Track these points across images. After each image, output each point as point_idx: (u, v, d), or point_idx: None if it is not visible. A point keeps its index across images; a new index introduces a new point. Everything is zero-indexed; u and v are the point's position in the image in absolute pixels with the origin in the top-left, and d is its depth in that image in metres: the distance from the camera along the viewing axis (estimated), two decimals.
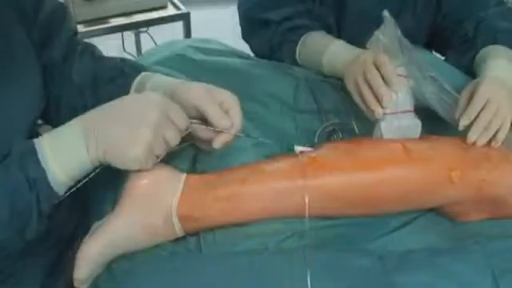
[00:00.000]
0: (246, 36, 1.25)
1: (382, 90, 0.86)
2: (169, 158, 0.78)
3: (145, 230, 0.74)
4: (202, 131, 0.78)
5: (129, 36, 2.33)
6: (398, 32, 0.89)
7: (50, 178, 0.67)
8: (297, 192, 0.77)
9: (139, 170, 0.73)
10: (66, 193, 0.71)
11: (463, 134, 0.86)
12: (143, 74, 0.88)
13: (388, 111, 0.86)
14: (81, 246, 0.73)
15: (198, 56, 1.09)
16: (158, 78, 0.86)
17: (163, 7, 1.90)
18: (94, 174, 0.72)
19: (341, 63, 1.03)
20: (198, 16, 2.12)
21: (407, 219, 0.84)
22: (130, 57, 2.03)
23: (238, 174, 0.79)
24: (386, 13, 0.90)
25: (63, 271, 0.83)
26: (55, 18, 0.86)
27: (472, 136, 0.84)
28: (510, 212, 0.86)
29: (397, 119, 0.86)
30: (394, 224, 0.83)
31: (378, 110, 0.86)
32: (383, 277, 0.73)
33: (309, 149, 0.83)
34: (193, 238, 0.79)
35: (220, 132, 0.77)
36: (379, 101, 0.86)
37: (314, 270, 0.70)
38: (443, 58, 1.22)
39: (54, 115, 0.87)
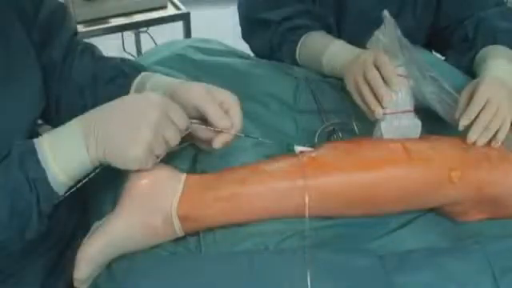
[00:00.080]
0: (246, 36, 1.25)
1: (382, 90, 0.86)
2: (169, 158, 0.78)
3: (145, 230, 0.74)
4: (201, 131, 0.78)
5: (129, 36, 2.33)
6: (398, 32, 0.89)
7: (50, 178, 0.67)
8: (297, 192, 0.77)
9: (139, 170, 0.73)
10: (66, 193, 0.71)
11: (463, 134, 0.86)
12: (143, 74, 0.88)
13: (388, 111, 0.86)
14: (81, 245, 0.73)
15: (198, 56, 1.09)
16: (158, 78, 0.86)
17: (163, 7, 1.89)
18: (93, 173, 0.72)
19: (341, 63, 1.02)
20: (198, 16, 2.13)
21: (407, 219, 0.84)
22: (130, 57, 2.03)
23: (238, 173, 0.79)
24: (385, 13, 0.90)
25: (63, 271, 0.83)
26: (55, 18, 0.86)
27: (472, 136, 0.84)
28: (510, 212, 0.86)
29: (397, 119, 0.86)
30: (393, 224, 0.83)
31: (378, 110, 0.86)
32: (383, 277, 0.73)
33: (309, 149, 0.83)
34: (193, 238, 0.79)
35: (220, 132, 0.77)
36: (379, 101, 0.86)
37: (314, 270, 0.70)
38: (443, 58, 1.22)
39: (54, 115, 0.87)
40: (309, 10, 1.16)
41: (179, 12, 1.90)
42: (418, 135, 0.87)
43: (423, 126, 0.87)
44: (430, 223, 0.85)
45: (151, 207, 0.74)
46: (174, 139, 0.72)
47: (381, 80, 0.86)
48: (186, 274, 0.73)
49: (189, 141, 0.83)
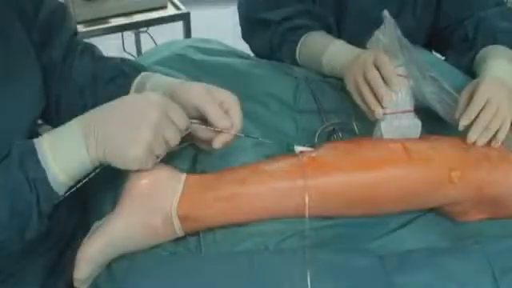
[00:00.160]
0: (246, 36, 1.25)
1: (382, 90, 0.86)
2: (169, 158, 0.78)
3: (145, 230, 0.74)
4: (201, 131, 0.78)
5: (129, 36, 2.33)
6: (398, 32, 0.89)
7: (50, 178, 0.67)
8: (297, 192, 0.77)
9: (139, 170, 0.73)
10: (66, 193, 0.71)
11: (463, 134, 0.86)
12: (143, 74, 0.88)
13: (388, 111, 0.86)
14: (81, 245, 0.73)
15: (198, 56, 1.09)
16: (158, 78, 0.86)
17: (163, 7, 1.89)
18: (94, 173, 0.72)
19: (341, 63, 1.02)
20: (197, 16, 2.13)
21: (407, 219, 0.84)
22: (130, 57, 2.03)
23: (238, 174, 0.79)
24: (385, 13, 0.90)
25: (63, 271, 0.83)
26: (55, 18, 0.86)
27: (472, 136, 0.84)
28: (510, 212, 0.86)
29: (397, 119, 0.86)
30: (393, 224, 0.83)
31: (378, 110, 0.86)
32: (383, 277, 0.73)
33: (309, 149, 0.83)
34: (193, 238, 0.79)
35: (220, 132, 0.77)
36: (379, 101, 0.86)
37: (314, 270, 0.70)
38: (443, 58, 1.22)
39: (54, 115, 0.87)
40: (309, 10, 1.16)
41: (179, 12, 1.90)
42: (418, 135, 0.87)
43: (423, 126, 0.87)
44: (429, 223, 0.85)
45: (151, 207, 0.74)
46: (174, 139, 0.72)
47: (381, 80, 0.86)
48: (185, 274, 0.73)
49: (189, 141, 0.83)
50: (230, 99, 0.78)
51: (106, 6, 1.79)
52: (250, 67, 1.09)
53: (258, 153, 0.88)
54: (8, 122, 0.74)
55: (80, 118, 0.71)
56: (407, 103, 0.88)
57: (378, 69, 0.88)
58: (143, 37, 2.32)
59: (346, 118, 0.98)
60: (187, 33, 1.93)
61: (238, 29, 1.25)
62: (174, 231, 0.75)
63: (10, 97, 0.76)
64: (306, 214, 0.77)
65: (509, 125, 0.86)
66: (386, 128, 0.86)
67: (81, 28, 1.71)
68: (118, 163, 0.70)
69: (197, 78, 0.93)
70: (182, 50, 1.10)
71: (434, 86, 0.89)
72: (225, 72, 1.05)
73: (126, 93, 0.85)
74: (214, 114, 0.76)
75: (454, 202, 0.83)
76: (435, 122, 0.91)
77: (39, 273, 0.83)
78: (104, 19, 1.79)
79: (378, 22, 0.91)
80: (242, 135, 0.80)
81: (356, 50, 1.02)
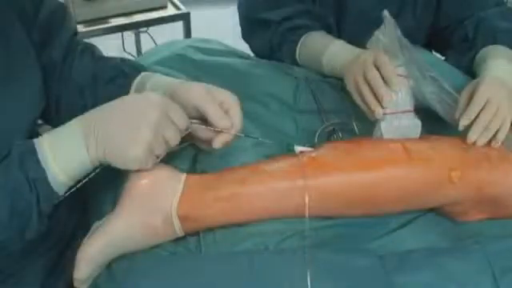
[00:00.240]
0: (246, 36, 1.25)
1: (382, 90, 0.86)
2: (169, 158, 0.78)
3: (145, 230, 0.74)
4: (201, 131, 0.78)
5: (129, 36, 2.33)
6: (398, 32, 0.89)
7: (50, 178, 0.67)
8: (297, 192, 0.77)
9: (139, 170, 0.73)
10: (66, 193, 0.71)
11: (463, 134, 0.86)
12: (143, 74, 0.88)
13: (388, 111, 0.86)
14: (81, 245, 0.73)
15: (198, 56, 1.09)
16: (158, 78, 0.86)
17: (163, 7, 1.89)
18: (94, 173, 0.72)
19: (341, 63, 1.02)
20: (197, 16, 2.12)
21: (407, 219, 0.84)
22: (130, 57, 2.03)
23: (238, 174, 0.79)
24: (385, 13, 0.90)
25: (63, 271, 0.83)
26: (55, 18, 0.86)
27: (472, 136, 0.84)
28: (510, 212, 0.86)
29: (397, 119, 0.86)
30: (393, 224, 0.83)
31: (378, 110, 0.86)
32: (383, 277, 0.73)
33: (309, 149, 0.83)
34: (193, 238, 0.79)
35: (220, 132, 0.77)
36: (379, 101, 0.86)
37: (314, 270, 0.70)
38: (443, 58, 1.22)
39: (54, 115, 0.87)
40: (309, 10, 1.16)
41: (179, 12, 1.90)
42: (418, 135, 0.87)
43: (423, 126, 0.87)
44: (429, 223, 0.85)
45: (151, 207, 0.74)
46: (174, 139, 0.72)
47: (381, 80, 0.86)
48: (186, 274, 0.73)
49: (189, 141, 0.83)
50: (230, 99, 0.78)
51: (106, 6, 1.79)
52: (250, 67, 1.09)
53: (258, 153, 0.88)
54: (8, 122, 0.74)
55: (80, 118, 0.71)
56: (407, 103, 0.88)
57: (378, 69, 0.88)
58: (143, 37, 2.32)
59: (346, 117, 0.98)
60: (187, 33, 1.93)
61: (238, 29, 1.25)
62: (174, 231, 0.75)
63: (10, 97, 0.76)
64: (306, 214, 0.77)
65: (509, 125, 0.86)
66: (386, 128, 0.86)
67: (81, 28, 1.71)
68: (118, 163, 0.70)
69: (197, 78, 0.93)
70: (182, 49, 1.10)
71: (434, 86, 0.89)
72: (225, 72, 1.05)
73: (126, 93, 0.85)
74: (213, 114, 0.76)
75: (454, 201, 0.83)
76: (435, 122, 0.91)
77: (39, 273, 0.83)
78: (104, 19, 1.79)
79: (378, 22, 0.91)
80: (242, 135, 0.80)
81: (356, 50, 1.02)
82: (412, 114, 0.88)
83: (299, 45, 1.13)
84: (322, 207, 0.79)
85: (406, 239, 0.81)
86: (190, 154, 0.88)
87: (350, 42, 1.07)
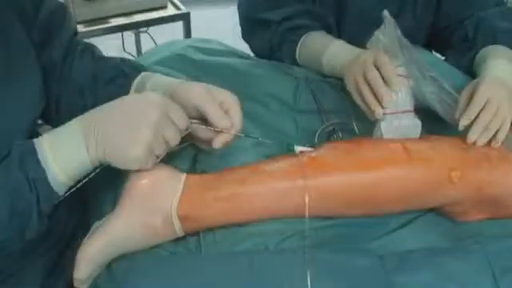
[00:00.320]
0: (246, 36, 1.25)
1: (382, 90, 0.86)
2: (169, 158, 0.78)
3: (145, 230, 0.74)
4: (201, 131, 0.78)
5: (129, 36, 2.33)
6: (398, 32, 0.89)
7: (50, 178, 0.67)
8: (297, 192, 0.77)
9: (139, 170, 0.73)
10: (66, 193, 0.71)
11: (463, 134, 0.86)
12: (143, 74, 0.88)
13: (388, 111, 0.86)
14: (81, 245, 0.73)
15: (198, 56, 1.09)
16: (158, 78, 0.86)
17: (163, 7, 1.89)
18: (94, 173, 0.72)
19: (341, 63, 1.02)
20: (198, 16, 2.12)
21: (407, 219, 0.84)
22: (130, 57, 2.03)
23: (238, 174, 0.79)
24: (386, 13, 0.90)
25: (63, 271, 0.83)
26: (55, 18, 0.86)
27: (472, 136, 0.84)
28: (510, 212, 0.86)
29: (397, 119, 0.86)
30: (393, 224, 0.83)
31: (378, 110, 0.86)
32: (383, 277, 0.73)
33: (309, 149, 0.83)
34: (193, 238, 0.79)
35: (220, 132, 0.77)
36: (379, 101, 0.86)
37: (314, 270, 0.70)
38: (443, 58, 1.22)
39: (54, 115, 0.87)
40: (309, 10, 1.16)
41: (179, 12, 1.90)
42: (418, 135, 0.87)
43: (423, 126, 0.87)
44: (430, 223, 0.85)
45: (151, 207, 0.74)
46: (174, 139, 0.72)
47: (381, 80, 0.86)
48: (185, 274, 0.73)
49: (189, 141, 0.83)
50: (230, 99, 0.78)
51: (106, 6, 1.79)
52: (250, 67, 1.09)
53: (258, 153, 0.88)
54: (8, 122, 0.74)
55: (80, 118, 0.71)
56: (407, 103, 0.88)
57: (378, 69, 0.88)
58: (143, 37, 2.32)
59: (346, 117, 0.98)
60: (187, 33, 1.93)
61: (238, 29, 1.25)
62: (174, 231, 0.75)
63: (10, 97, 0.76)
64: (306, 214, 0.77)
65: (509, 125, 0.86)
66: (386, 128, 0.86)
67: (81, 28, 1.71)
68: (118, 163, 0.70)
69: (197, 78, 0.93)
70: (182, 49, 1.10)
71: (434, 86, 0.89)
72: (225, 72, 1.05)
73: (126, 93, 0.85)
74: (213, 114, 0.76)
75: (454, 201, 0.83)
76: (435, 122, 0.91)
77: (39, 273, 0.83)
78: (104, 19, 1.79)
79: (378, 22, 0.91)
80: (242, 135, 0.80)
81: (356, 50, 1.02)
82: (412, 114, 0.88)
83: (299, 45, 1.13)
84: (322, 207, 0.79)
85: (405, 239, 0.81)
86: (189, 154, 0.88)
87: (350, 42, 1.07)
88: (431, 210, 0.86)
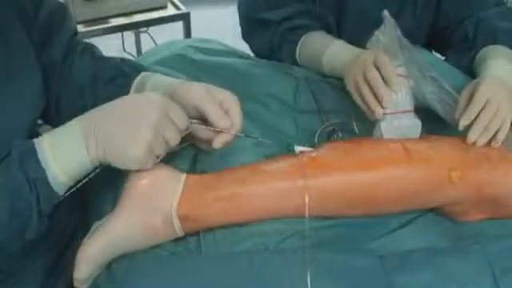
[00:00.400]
0: (246, 36, 1.25)
1: (382, 90, 0.86)
2: (169, 158, 0.78)
3: (145, 230, 0.74)
4: (201, 131, 0.78)
5: (129, 36, 2.33)
6: (398, 32, 0.89)
7: (50, 178, 0.67)
8: (297, 192, 0.77)
9: (139, 170, 0.73)
10: (66, 193, 0.71)
11: (463, 134, 0.86)
12: (143, 74, 0.88)
13: (388, 111, 0.86)
14: (81, 245, 0.73)
15: (198, 56, 1.09)
16: (158, 78, 0.86)
17: (163, 7, 1.89)
18: (94, 173, 0.72)
19: (341, 63, 1.02)
20: (198, 16, 2.13)
21: (407, 219, 0.84)
22: (130, 57, 2.03)
23: (238, 174, 0.79)
24: (386, 13, 0.90)
25: (63, 271, 0.83)
26: (55, 18, 0.86)
27: (472, 136, 0.84)
28: (510, 212, 0.86)
29: (397, 119, 0.86)
30: (393, 224, 0.83)
31: (378, 110, 0.86)
32: (383, 277, 0.73)
33: (309, 149, 0.83)
34: (193, 238, 0.79)
35: (220, 132, 0.77)
36: (379, 101, 0.86)
37: (314, 270, 0.70)
38: (443, 58, 1.22)
39: (54, 115, 0.87)
40: (309, 10, 1.16)
41: (179, 12, 1.90)
42: (418, 135, 0.87)
43: (423, 126, 0.87)
44: (430, 223, 0.85)
45: (151, 207, 0.74)
46: (174, 139, 0.72)
47: (381, 80, 0.86)
48: (186, 274, 0.73)
49: (189, 141, 0.83)
50: (230, 99, 0.78)
51: (106, 6, 1.79)
52: (250, 67, 1.09)
53: (258, 153, 0.88)
54: (8, 122, 0.74)
55: (80, 118, 0.71)
56: (407, 103, 0.88)
57: (378, 69, 0.88)
58: (143, 37, 2.32)
59: (346, 117, 0.98)
60: (187, 33, 1.93)
61: (238, 29, 1.25)
62: (174, 231, 0.75)
63: (10, 97, 0.76)
64: (306, 214, 0.77)
65: (509, 125, 0.86)
66: (386, 128, 0.86)
67: (81, 28, 1.71)
68: (118, 163, 0.70)
69: (197, 78, 0.93)
70: (182, 49, 1.10)
71: (434, 85, 0.89)
72: (225, 72, 1.05)
73: (126, 93, 0.85)
74: (213, 114, 0.76)
75: (454, 201, 0.83)
76: (435, 122, 0.91)
77: (39, 273, 0.83)
78: (104, 19, 1.79)
79: (378, 22, 0.91)
80: (242, 135, 0.80)
81: (356, 50, 1.02)
82: (412, 114, 0.88)
83: (299, 45, 1.13)
84: (322, 207, 0.79)
85: (406, 239, 0.81)
86: (190, 154, 0.88)
87: (350, 42, 1.07)
88: (431, 209, 0.86)
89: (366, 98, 0.88)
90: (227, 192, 0.76)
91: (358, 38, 0.99)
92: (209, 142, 0.78)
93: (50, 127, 0.86)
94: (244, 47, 1.24)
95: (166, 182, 0.75)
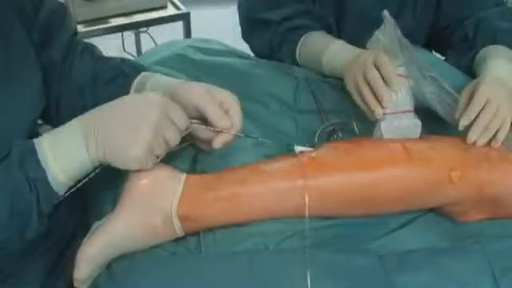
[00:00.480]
0: (246, 36, 1.25)
1: (382, 90, 0.86)
2: (169, 158, 0.78)
3: (145, 230, 0.74)
4: (201, 131, 0.78)
5: (129, 36, 2.33)
6: (398, 32, 0.89)
7: (50, 178, 0.67)
8: (297, 192, 0.77)
9: (139, 170, 0.73)
10: (66, 193, 0.71)
11: (463, 134, 0.86)
12: (143, 74, 0.88)
13: (388, 111, 0.86)
14: (81, 245, 0.73)
15: (198, 56, 1.09)
16: (158, 78, 0.86)
17: (163, 7, 1.89)
18: (93, 173, 0.72)
19: (341, 63, 1.02)
20: (198, 16, 2.13)
21: (407, 219, 0.84)
22: (130, 57, 2.03)
23: (238, 174, 0.79)
24: (386, 13, 0.90)
25: (63, 271, 0.83)
26: (55, 18, 0.86)
27: (472, 136, 0.84)
28: (510, 212, 0.86)
29: (397, 119, 0.86)
30: (393, 224, 0.83)
31: (378, 110, 0.86)
32: (383, 277, 0.73)
33: (309, 149, 0.83)
34: (193, 238, 0.79)
35: (220, 132, 0.77)
36: (379, 101, 0.86)
37: (314, 270, 0.70)
38: (443, 58, 1.22)
39: (54, 115, 0.87)
40: (309, 10, 1.16)
41: (179, 12, 1.90)
42: (418, 135, 0.87)
43: (423, 126, 0.87)
44: (429, 223, 0.85)
45: (151, 207, 0.74)
46: (174, 139, 0.72)
47: (381, 80, 0.86)
48: (186, 274, 0.73)
49: (189, 141, 0.83)
50: (230, 99, 0.78)
51: (106, 6, 1.79)
52: (250, 67, 1.09)
53: (258, 153, 0.88)
54: (8, 122, 0.74)
55: (80, 118, 0.71)
56: (407, 103, 0.88)
57: (378, 69, 0.88)
58: (143, 37, 2.32)
59: (346, 117, 0.98)
60: (187, 33, 1.93)
61: (238, 29, 1.25)
62: (174, 231, 0.75)
63: (10, 97, 0.76)
64: (306, 214, 0.77)
65: (509, 125, 0.86)
66: (386, 128, 0.86)
67: (81, 28, 1.71)
68: (118, 163, 0.70)
69: (197, 78, 0.93)
70: (182, 50, 1.10)
71: (434, 85, 0.89)
72: (225, 72, 1.05)
73: (126, 93, 0.85)
74: (213, 113, 0.76)
75: (454, 201, 0.83)
76: (435, 122, 0.91)
77: (39, 273, 0.83)
78: (104, 19, 1.79)
79: (378, 22, 0.91)
80: (242, 135, 0.80)
81: (356, 50, 1.02)
82: (412, 114, 0.88)
83: (299, 45, 1.13)
84: (322, 207, 0.79)
85: (406, 239, 0.81)
86: (189, 154, 0.88)
87: (350, 42, 1.07)
88: (431, 209, 0.86)
89: (366, 98, 0.88)
90: (227, 192, 0.76)
91: (358, 38, 0.99)
92: (209, 142, 0.78)
93: (49, 127, 0.86)
94: (244, 47, 1.24)
95: (166, 182, 0.75)
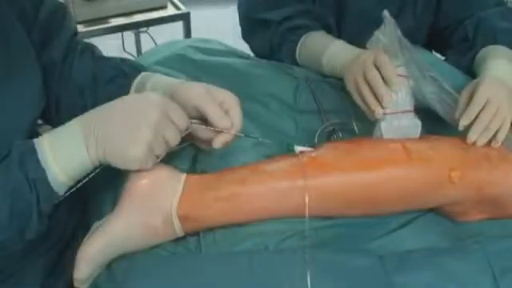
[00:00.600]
0: (246, 36, 1.25)
1: (382, 90, 0.86)
2: (169, 158, 0.78)
3: (145, 230, 0.74)
4: (202, 131, 0.78)
5: (129, 36, 2.33)
6: (398, 32, 0.89)
7: (50, 178, 0.67)
8: (297, 192, 0.77)
9: (139, 170, 0.73)
10: (66, 193, 0.71)
11: (463, 134, 0.86)
12: (143, 74, 0.88)
13: (388, 111, 0.86)
14: (81, 245, 0.73)
15: (198, 56, 1.09)
16: (158, 78, 0.86)
17: (163, 7, 1.89)
18: (94, 173, 0.72)
19: (341, 63, 1.02)
20: (198, 16, 2.13)
21: (407, 219, 0.84)
22: (130, 57, 2.02)
23: (238, 174, 0.79)
24: (385, 13, 0.90)
25: (63, 271, 0.83)
26: (55, 18, 0.86)
27: (472, 136, 0.84)
28: (510, 212, 0.86)
29: (397, 119, 0.86)
30: (393, 224, 0.83)
31: (378, 110, 0.86)
32: (383, 277, 0.73)
33: (309, 149, 0.83)
34: (193, 238, 0.79)
35: (220, 132, 0.77)
36: (379, 101, 0.86)
37: (314, 270, 0.70)
38: (443, 58, 1.22)
39: (54, 115, 0.88)
40: (309, 10, 1.16)
41: (179, 12, 1.89)
42: (417, 135, 0.87)
43: (423, 126, 0.87)
44: (429, 223, 0.85)
45: (151, 207, 0.74)
46: (174, 139, 0.72)
47: (381, 80, 0.86)
48: (186, 274, 0.73)
49: (189, 141, 0.83)
50: (230, 99, 0.78)
51: (106, 6, 1.79)
52: (250, 67, 1.09)
53: (258, 153, 0.88)
54: (8, 121, 0.74)
55: (80, 118, 0.71)
56: (407, 103, 0.88)
57: (378, 69, 0.88)
58: (143, 37, 2.32)
59: (346, 118, 0.98)
60: (187, 33, 1.93)
61: (238, 29, 1.25)
62: (174, 231, 0.75)
63: (10, 96, 0.76)
64: (306, 214, 0.77)
65: (509, 125, 0.86)
66: (386, 128, 0.86)
67: (81, 28, 1.71)
68: (118, 163, 0.70)
69: (197, 78, 0.93)
70: (181, 50, 1.10)
71: (434, 85, 0.89)
72: (225, 72, 1.05)
73: (126, 93, 0.85)
74: (213, 114, 0.76)
75: (454, 201, 0.83)
76: (435, 122, 0.91)
77: (39, 273, 0.83)
78: (104, 19, 1.79)
79: (378, 22, 0.91)
80: (242, 135, 0.80)
81: (356, 50, 1.02)
82: (412, 114, 0.88)
83: (299, 45, 1.13)
84: (322, 207, 0.79)
85: (406, 239, 0.81)
86: (189, 154, 0.88)
87: (350, 42, 1.07)
88: (431, 209, 0.86)
89: (366, 98, 0.88)
90: (227, 192, 0.76)
91: (358, 38, 0.99)
92: (209, 142, 0.78)
93: (49, 127, 0.86)
94: (244, 47, 1.24)
95: (166, 182, 0.75)
